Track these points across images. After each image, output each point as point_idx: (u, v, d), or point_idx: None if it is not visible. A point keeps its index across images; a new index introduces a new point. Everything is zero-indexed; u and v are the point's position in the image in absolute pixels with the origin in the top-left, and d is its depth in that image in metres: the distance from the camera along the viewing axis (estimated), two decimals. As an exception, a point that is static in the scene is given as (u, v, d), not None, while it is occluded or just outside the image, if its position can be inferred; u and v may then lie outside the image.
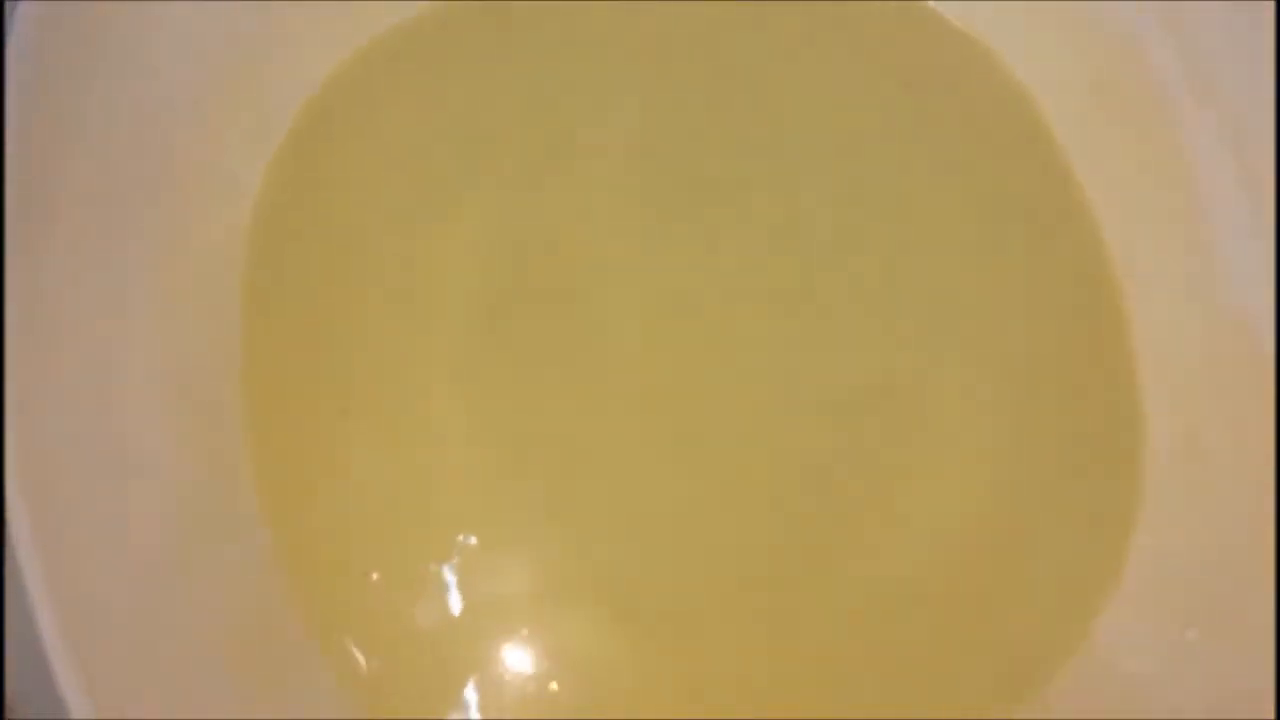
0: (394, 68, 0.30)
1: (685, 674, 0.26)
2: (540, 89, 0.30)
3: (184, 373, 0.25)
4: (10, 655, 0.21)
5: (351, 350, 0.27)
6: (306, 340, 0.27)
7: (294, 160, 0.28)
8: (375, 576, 0.26)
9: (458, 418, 0.27)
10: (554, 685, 0.25)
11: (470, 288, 0.28)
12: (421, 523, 0.26)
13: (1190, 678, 0.25)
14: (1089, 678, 0.26)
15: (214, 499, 0.25)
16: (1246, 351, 0.26)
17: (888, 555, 0.26)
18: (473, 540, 0.26)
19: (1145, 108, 0.28)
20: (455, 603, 0.25)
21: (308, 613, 0.25)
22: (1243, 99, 0.27)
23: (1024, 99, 0.30)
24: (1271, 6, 0.26)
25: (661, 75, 0.31)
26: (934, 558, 0.26)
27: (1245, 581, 0.25)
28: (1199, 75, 0.28)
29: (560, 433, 0.27)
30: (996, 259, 0.30)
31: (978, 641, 0.26)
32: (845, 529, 0.27)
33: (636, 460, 0.27)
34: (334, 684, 0.24)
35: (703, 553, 0.26)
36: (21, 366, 0.21)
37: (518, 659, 0.25)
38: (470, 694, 0.25)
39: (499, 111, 0.30)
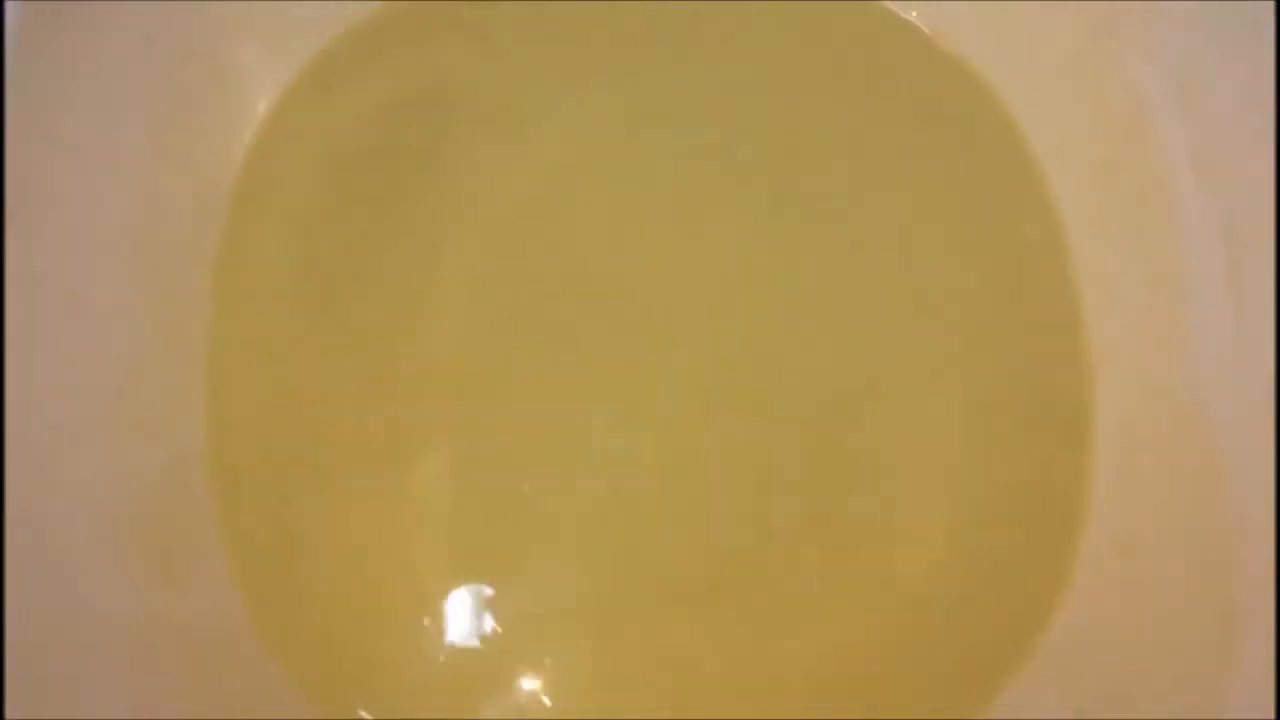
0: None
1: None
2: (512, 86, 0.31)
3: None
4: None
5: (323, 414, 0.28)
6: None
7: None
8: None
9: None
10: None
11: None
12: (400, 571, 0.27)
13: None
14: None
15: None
16: (1203, 460, 0.26)
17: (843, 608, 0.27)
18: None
19: (1146, 186, 0.28)
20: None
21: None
22: (1242, 189, 0.26)
23: (1034, 170, 0.31)
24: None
25: (637, 83, 0.31)
26: (882, 604, 0.27)
27: (1148, 676, 0.25)
28: (1204, 159, 0.27)
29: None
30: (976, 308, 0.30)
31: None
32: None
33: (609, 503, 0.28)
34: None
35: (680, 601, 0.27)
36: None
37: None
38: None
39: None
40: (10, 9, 0.23)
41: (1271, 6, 0.25)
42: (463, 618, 0.27)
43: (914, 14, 0.32)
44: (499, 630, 0.27)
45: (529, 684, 0.27)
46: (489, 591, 0.27)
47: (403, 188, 0.30)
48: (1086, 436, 0.29)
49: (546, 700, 0.27)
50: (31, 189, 0.25)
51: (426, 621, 0.27)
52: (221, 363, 0.28)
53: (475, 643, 0.27)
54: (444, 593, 0.27)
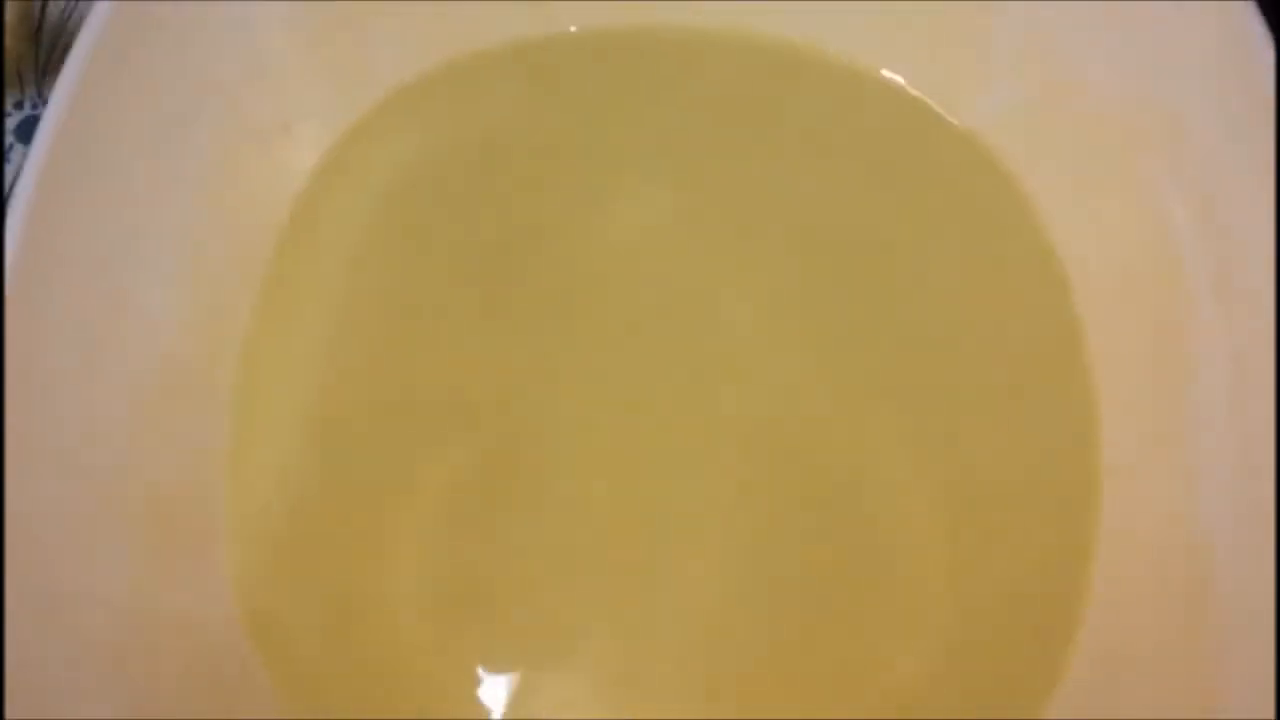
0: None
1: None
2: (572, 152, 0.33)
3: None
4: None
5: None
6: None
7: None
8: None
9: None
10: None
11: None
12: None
13: None
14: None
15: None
16: (1198, 583, 0.26)
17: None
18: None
19: (1165, 307, 0.29)
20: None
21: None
22: (1255, 325, 0.26)
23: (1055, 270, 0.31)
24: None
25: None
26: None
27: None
28: (1222, 289, 0.27)
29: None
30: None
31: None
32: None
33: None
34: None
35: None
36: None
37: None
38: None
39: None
40: (99, 9, 0.25)
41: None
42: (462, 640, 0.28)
43: (955, 118, 0.33)
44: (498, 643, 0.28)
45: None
46: (492, 613, 0.28)
47: (452, 235, 0.32)
48: (1088, 547, 0.29)
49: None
50: (93, 188, 0.26)
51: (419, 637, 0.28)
52: (253, 375, 0.30)
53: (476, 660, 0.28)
54: (440, 613, 0.28)
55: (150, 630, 0.25)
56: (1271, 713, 0.23)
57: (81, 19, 0.26)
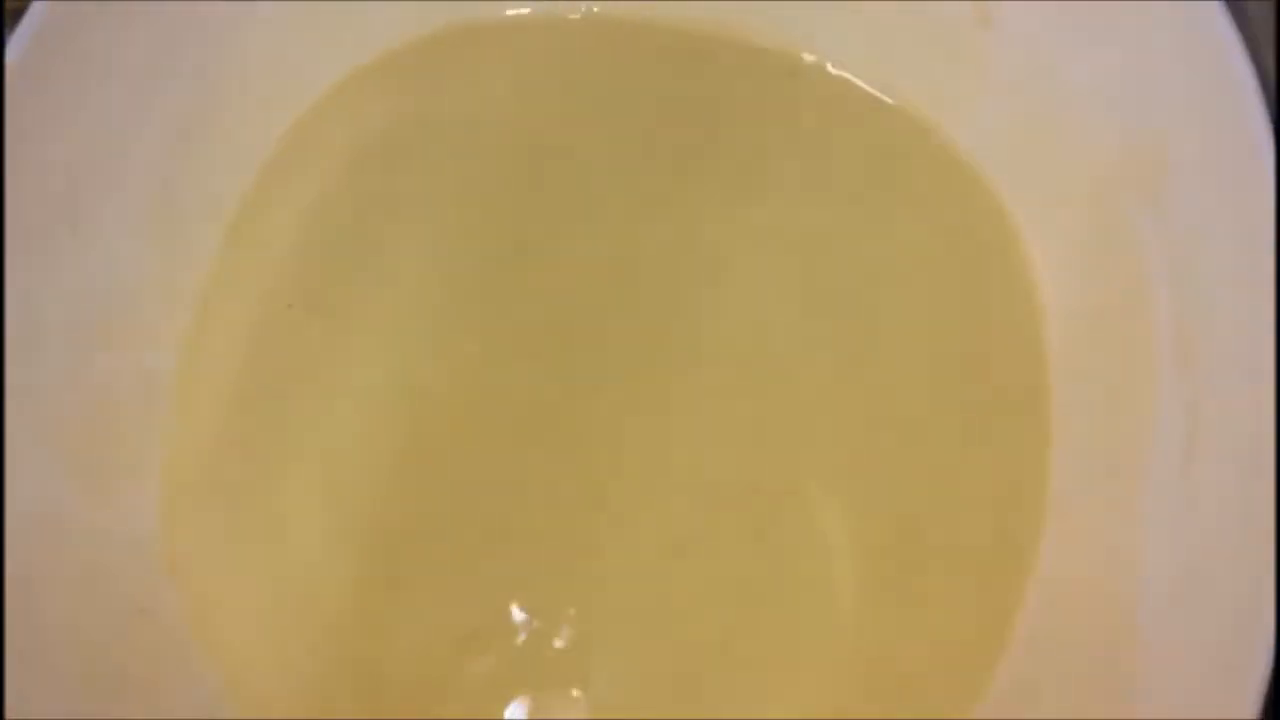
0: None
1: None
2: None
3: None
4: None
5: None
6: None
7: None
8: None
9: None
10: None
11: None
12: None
13: None
14: None
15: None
16: (1118, 620, 0.26)
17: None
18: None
19: (1132, 351, 0.28)
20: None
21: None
22: (1213, 384, 0.26)
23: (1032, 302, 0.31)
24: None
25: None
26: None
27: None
28: (1185, 341, 0.27)
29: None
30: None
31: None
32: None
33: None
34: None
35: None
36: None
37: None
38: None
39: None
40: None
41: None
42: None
43: (945, 137, 0.32)
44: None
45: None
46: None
47: (421, 204, 0.32)
48: (1017, 585, 0.28)
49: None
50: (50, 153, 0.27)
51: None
52: (209, 310, 0.30)
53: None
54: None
55: (61, 546, 0.26)
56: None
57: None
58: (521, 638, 0.27)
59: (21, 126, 0.25)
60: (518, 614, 0.28)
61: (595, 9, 0.34)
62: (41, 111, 0.26)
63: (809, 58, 0.33)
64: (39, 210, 0.26)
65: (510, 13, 0.34)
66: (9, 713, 0.22)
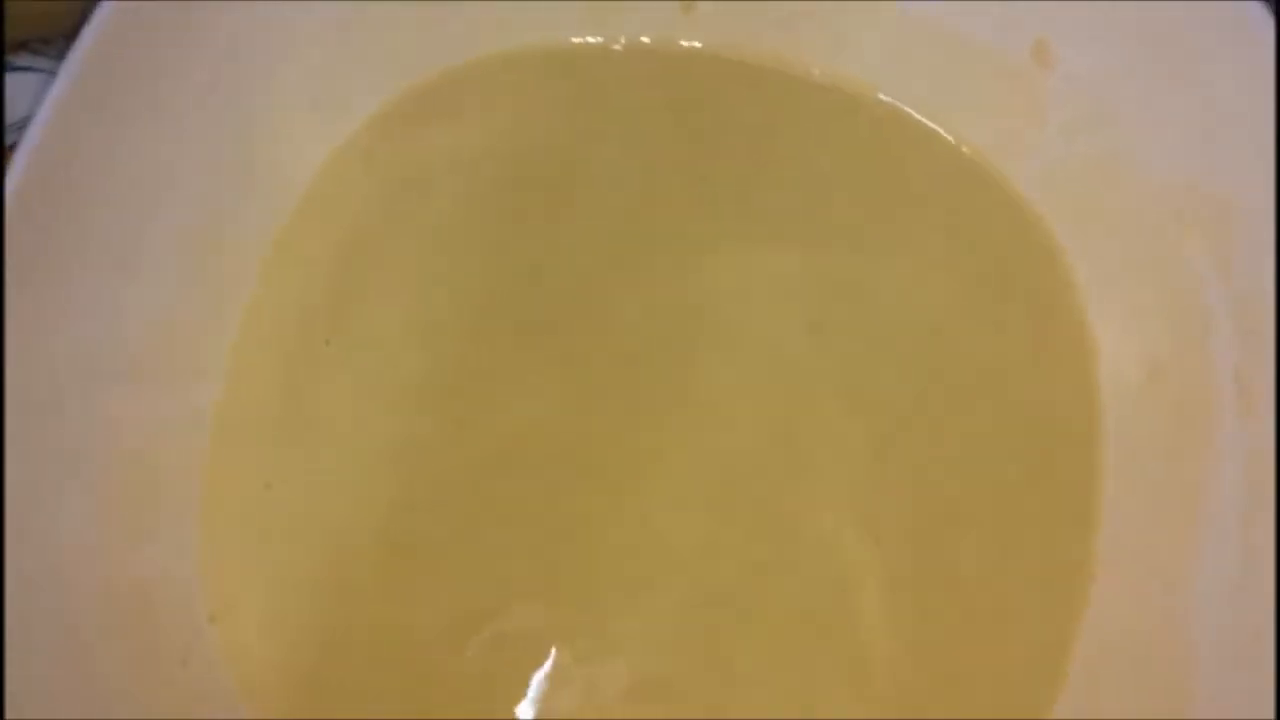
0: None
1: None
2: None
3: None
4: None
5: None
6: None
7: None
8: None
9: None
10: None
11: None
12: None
13: None
14: None
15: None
16: (1173, 677, 0.26)
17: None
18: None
19: (1188, 395, 0.28)
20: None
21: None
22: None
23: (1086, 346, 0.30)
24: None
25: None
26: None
27: None
28: (1249, 380, 0.26)
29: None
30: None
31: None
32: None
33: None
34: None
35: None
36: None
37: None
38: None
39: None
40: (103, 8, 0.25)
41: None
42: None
43: (1004, 179, 0.32)
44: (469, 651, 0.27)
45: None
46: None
47: (459, 235, 0.32)
48: (1069, 636, 0.28)
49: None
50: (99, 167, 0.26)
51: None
52: (249, 347, 0.30)
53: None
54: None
55: (107, 595, 0.25)
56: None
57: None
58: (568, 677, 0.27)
59: (66, 167, 0.25)
60: (562, 656, 0.27)
61: (639, 37, 0.34)
62: (87, 149, 0.25)
63: (865, 91, 0.33)
64: (85, 250, 0.26)
65: (551, 44, 0.34)
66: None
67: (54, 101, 0.24)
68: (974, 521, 0.29)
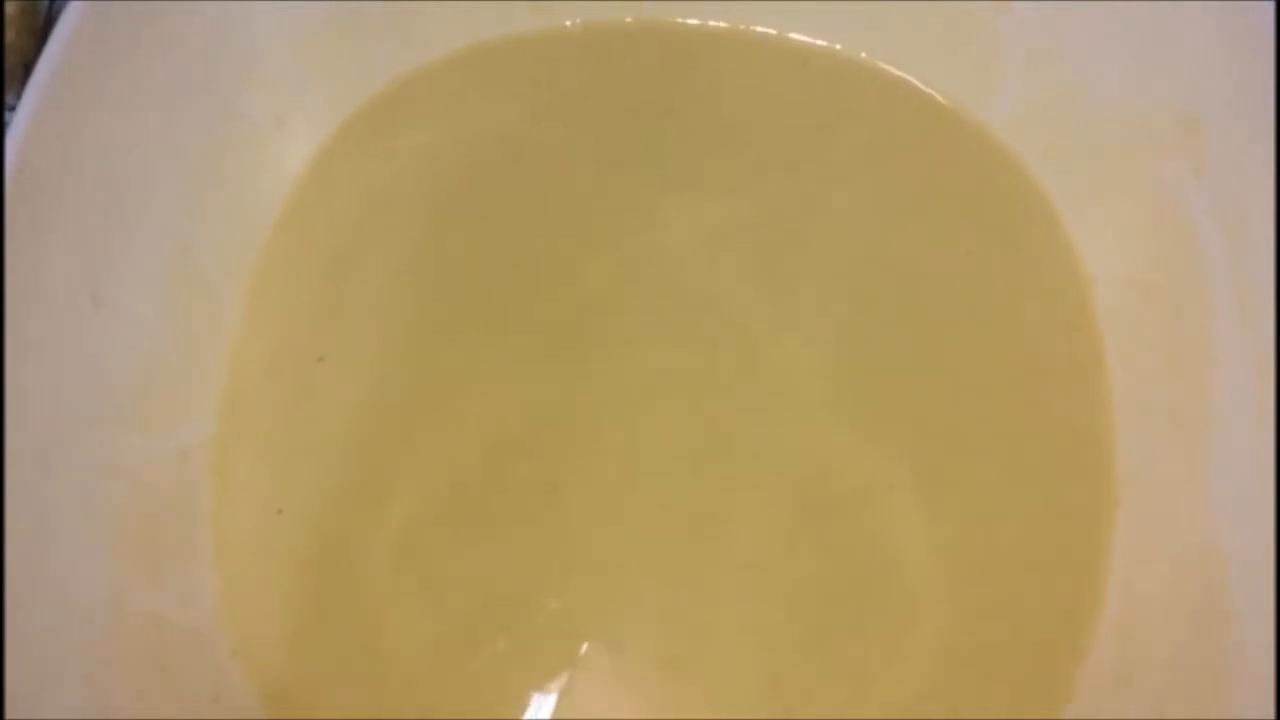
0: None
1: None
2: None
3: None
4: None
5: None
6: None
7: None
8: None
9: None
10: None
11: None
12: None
13: None
14: None
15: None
16: (1205, 582, 0.26)
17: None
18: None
19: (1185, 310, 0.28)
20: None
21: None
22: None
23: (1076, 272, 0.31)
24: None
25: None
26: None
27: None
28: (1245, 280, 0.27)
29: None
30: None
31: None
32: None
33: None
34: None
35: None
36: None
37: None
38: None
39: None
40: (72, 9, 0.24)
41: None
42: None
43: (970, 117, 0.32)
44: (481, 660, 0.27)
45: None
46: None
47: (436, 236, 0.31)
48: (1101, 561, 0.28)
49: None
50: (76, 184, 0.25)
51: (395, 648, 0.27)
52: (239, 374, 0.29)
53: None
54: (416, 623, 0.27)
55: (123, 629, 0.25)
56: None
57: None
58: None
59: (36, 200, 0.24)
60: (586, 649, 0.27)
61: (588, 18, 0.34)
62: (54, 184, 0.25)
63: (822, 44, 0.33)
64: (61, 286, 0.25)
65: (503, 37, 0.34)
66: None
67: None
68: (989, 460, 0.29)
